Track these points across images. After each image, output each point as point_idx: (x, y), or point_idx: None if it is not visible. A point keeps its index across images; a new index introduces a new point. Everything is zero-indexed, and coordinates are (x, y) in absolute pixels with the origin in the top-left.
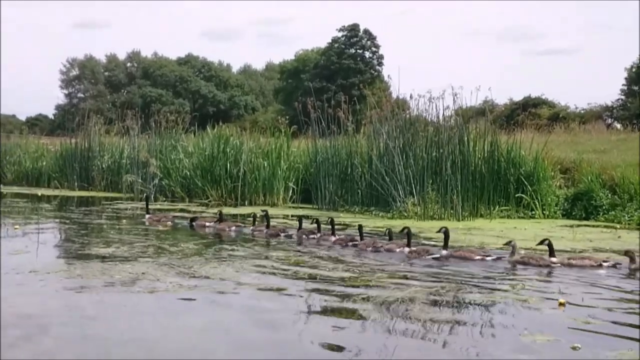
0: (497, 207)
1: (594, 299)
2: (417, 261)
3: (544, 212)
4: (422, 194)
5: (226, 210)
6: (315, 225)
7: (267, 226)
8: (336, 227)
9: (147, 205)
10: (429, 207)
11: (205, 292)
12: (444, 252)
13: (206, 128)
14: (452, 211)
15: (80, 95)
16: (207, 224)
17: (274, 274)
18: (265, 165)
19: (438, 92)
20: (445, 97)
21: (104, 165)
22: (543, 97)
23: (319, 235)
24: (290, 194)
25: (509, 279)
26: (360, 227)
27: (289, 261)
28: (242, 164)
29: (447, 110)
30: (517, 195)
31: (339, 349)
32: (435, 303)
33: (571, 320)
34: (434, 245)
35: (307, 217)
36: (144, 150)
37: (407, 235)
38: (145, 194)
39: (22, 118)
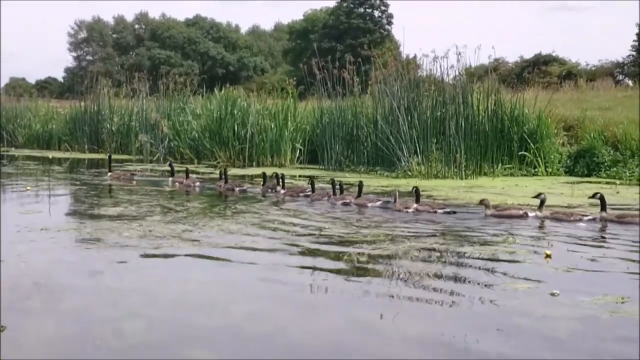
0: (501, 165)
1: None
2: (401, 216)
3: (547, 169)
4: (426, 154)
5: (234, 171)
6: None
7: (225, 181)
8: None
9: (109, 164)
10: (433, 166)
11: (209, 248)
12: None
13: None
14: (455, 170)
15: (88, 57)
16: (183, 181)
17: (274, 230)
18: (273, 126)
19: (446, 51)
20: (450, 56)
21: (113, 128)
22: (554, 54)
23: (282, 190)
24: (297, 154)
25: (502, 234)
26: (312, 180)
27: (289, 219)
28: (250, 126)
29: (452, 69)
30: (520, 153)
31: (339, 294)
32: (427, 256)
33: (554, 270)
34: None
35: (314, 177)
36: (153, 112)
37: (332, 185)
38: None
39: (32, 81)
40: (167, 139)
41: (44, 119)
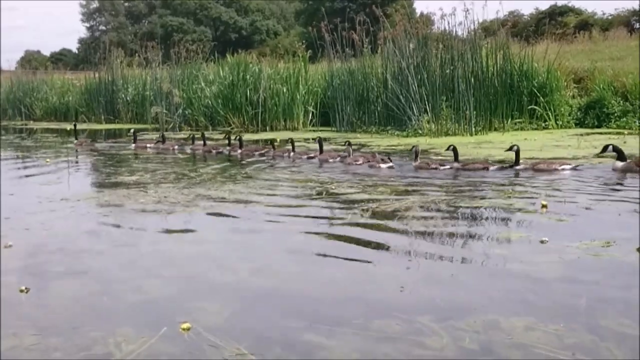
0: (511, 120)
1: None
2: (400, 174)
3: (557, 122)
4: (436, 111)
5: (247, 136)
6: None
7: (204, 144)
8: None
9: (75, 132)
10: (443, 124)
11: (221, 211)
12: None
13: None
14: (465, 126)
15: (101, 27)
16: (148, 145)
17: (284, 193)
18: (285, 90)
19: (453, 8)
20: (458, 13)
21: (128, 98)
22: (570, 4)
23: (239, 150)
24: (310, 117)
25: (505, 188)
26: (272, 141)
27: (297, 181)
28: (262, 91)
29: (460, 26)
30: (530, 107)
31: (343, 249)
32: (428, 211)
33: (547, 219)
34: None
35: (326, 139)
36: (166, 82)
37: (291, 143)
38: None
39: (47, 53)
40: (182, 107)
41: (60, 91)
